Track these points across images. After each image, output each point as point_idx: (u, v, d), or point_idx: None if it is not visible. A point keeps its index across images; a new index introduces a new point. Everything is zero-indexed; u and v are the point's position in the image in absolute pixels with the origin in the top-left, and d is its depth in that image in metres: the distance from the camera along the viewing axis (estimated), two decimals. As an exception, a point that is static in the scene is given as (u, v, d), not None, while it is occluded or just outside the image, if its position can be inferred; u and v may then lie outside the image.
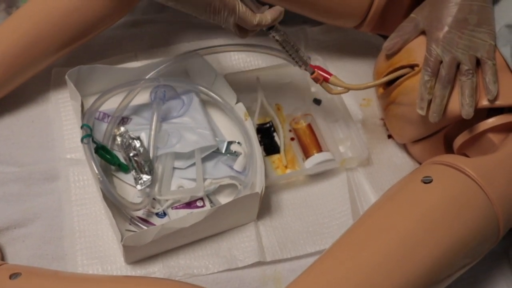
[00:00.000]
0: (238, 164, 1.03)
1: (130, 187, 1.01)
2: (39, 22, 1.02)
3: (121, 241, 0.89)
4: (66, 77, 1.03)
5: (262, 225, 1.02)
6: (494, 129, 0.97)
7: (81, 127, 0.98)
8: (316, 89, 1.18)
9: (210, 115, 1.11)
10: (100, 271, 0.95)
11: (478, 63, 0.95)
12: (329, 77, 1.00)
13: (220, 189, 1.03)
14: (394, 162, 1.13)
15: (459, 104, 0.95)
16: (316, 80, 1.01)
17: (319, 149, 1.09)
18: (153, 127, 1.04)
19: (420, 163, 1.12)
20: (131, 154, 1.01)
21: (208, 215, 0.92)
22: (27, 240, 0.97)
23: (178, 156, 1.04)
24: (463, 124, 0.98)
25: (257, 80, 1.14)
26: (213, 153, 1.05)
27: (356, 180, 1.09)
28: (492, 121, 0.97)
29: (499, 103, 0.95)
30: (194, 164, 1.03)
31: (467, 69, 0.94)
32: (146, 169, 0.99)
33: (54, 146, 1.07)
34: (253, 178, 1.01)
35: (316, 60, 1.17)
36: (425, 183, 0.90)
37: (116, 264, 0.96)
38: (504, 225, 0.89)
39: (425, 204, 0.87)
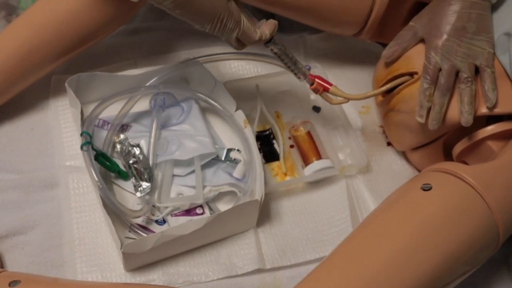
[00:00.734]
0: (237, 172, 1.03)
1: (130, 194, 1.01)
2: (39, 30, 1.02)
3: (121, 248, 0.89)
4: (66, 84, 1.03)
5: (261, 232, 1.02)
6: (493, 137, 0.97)
7: (81, 134, 0.98)
8: (315, 97, 1.18)
9: (210, 122, 1.11)
10: (99, 278, 0.95)
11: (477, 71, 0.96)
12: (329, 87, 1.00)
13: (220, 196, 1.03)
14: (394, 170, 1.13)
15: (458, 111, 0.95)
16: (315, 91, 1.01)
17: (319, 157, 1.09)
18: (153, 134, 1.04)
19: (419, 171, 1.12)
20: (130, 161, 1.01)
21: (207, 222, 0.92)
22: (27, 248, 0.97)
23: (177, 163, 1.04)
24: (462, 131, 0.98)
25: (257, 88, 1.15)
26: (213, 160, 1.05)
27: (356, 187, 1.10)
28: (491, 129, 0.97)
29: (498, 110, 0.95)
30: (193, 171, 1.03)
31: (466, 77, 0.94)
32: (145, 176, 0.99)
33: (53, 153, 1.07)
34: (253, 185, 1.01)
35: (315, 67, 1.17)
36: (424, 190, 0.90)
37: (115, 271, 0.96)
38: (504, 232, 0.89)
39: (424, 212, 0.88)
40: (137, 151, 1.02)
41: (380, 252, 0.84)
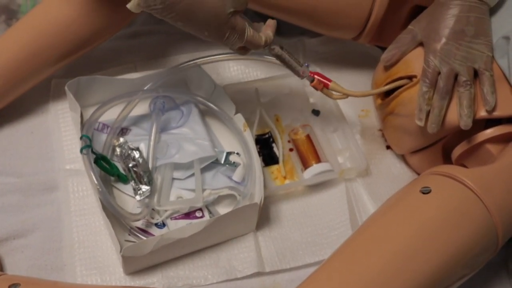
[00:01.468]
0: (237, 175, 1.04)
1: (129, 198, 1.01)
2: (39, 34, 1.03)
3: (120, 251, 0.89)
4: (66, 88, 1.03)
5: (261, 235, 1.02)
6: (492, 140, 0.97)
7: (81, 138, 0.98)
8: (314, 100, 1.18)
9: (209, 125, 1.11)
10: (99, 281, 0.95)
11: (476, 74, 0.96)
12: (328, 83, 1.00)
13: (219, 199, 1.03)
14: (393, 173, 1.13)
15: (457, 115, 0.95)
16: (316, 87, 1.01)
17: (318, 160, 1.09)
18: (152, 137, 1.04)
19: (418, 174, 1.12)
20: (130, 165, 1.01)
21: (207, 225, 0.92)
22: (26, 251, 0.97)
23: (177, 166, 1.04)
24: (461, 134, 0.98)
25: (256, 91, 1.15)
26: (212, 164, 1.05)
27: (355, 190, 1.10)
28: (490, 132, 0.97)
29: (497, 114, 0.95)
30: (193, 174, 1.03)
31: (465, 80, 0.94)
32: (145, 180, 0.99)
33: (53, 156, 1.07)
34: (252, 188, 1.01)
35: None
36: (423, 193, 0.90)
37: (115, 274, 0.96)
38: (503, 235, 0.89)
39: (423, 215, 0.88)
40: (136, 154, 1.02)
41: (380, 255, 0.84)
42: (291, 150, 1.13)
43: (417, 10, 1.06)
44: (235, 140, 1.08)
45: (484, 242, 0.88)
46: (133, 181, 1.00)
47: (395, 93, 1.04)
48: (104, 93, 1.07)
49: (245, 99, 1.14)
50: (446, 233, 0.86)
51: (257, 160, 1.02)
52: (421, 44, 1.01)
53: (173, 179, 1.03)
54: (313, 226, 1.05)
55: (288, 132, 1.14)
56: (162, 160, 1.03)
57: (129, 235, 0.97)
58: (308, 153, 1.10)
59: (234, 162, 1.05)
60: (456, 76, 0.95)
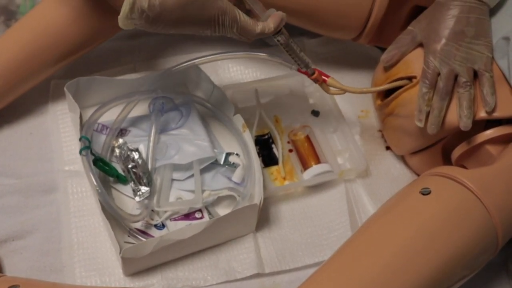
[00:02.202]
0: (236, 176, 1.03)
1: (129, 199, 1.01)
2: (38, 34, 1.03)
3: (120, 253, 0.89)
4: (65, 89, 1.03)
5: (260, 236, 1.02)
6: (492, 141, 0.97)
7: (80, 139, 0.98)
8: (314, 101, 1.18)
9: (209, 126, 1.11)
10: (98, 283, 0.95)
11: (475, 75, 0.96)
12: (326, 79, 1.00)
13: (219, 200, 1.03)
14: (392, 174, 1.13)
15: (457, 115, 0.95)
16: (316, 80, 1.00)
17: (317, 161, 1.09)
18: (152, 138, 1.04)
19: (418, 175, 1.12)
20: (129, 166, 1.01)
21: (206, 226, 0.92)
22: (25, 252, 0.97)
23: (176, 167, 1.04)
24: (461, 135, 0.98)
25: (256, 92, 1.15)
26: (212, 165, 1.05)
27: (355, 191, 1.10)
28: (490, 133, 0.97)
29: (496, 115, 0.95)
30: (192, 175, 1.03)
31: (464, 81, 0.94)
32: (144, 181, 0.99)
33: (52, 158, 1.07)
34: (252, 189, 1.01)
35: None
36: (423, 194, 0.90)
37: (114, 276, 0.96)
38: (503, 236, 0.89)
39: (423, 216, 0.88)
40: (136, 155, 1.02)
41: (379, 256, 0.84)
42: (290, 151, 1.13)
43: (417, 11, 1.06)
44: (234, 141, 1.08)
45: (484, 243, 0.88)
46: (132, 182, 1.00)
47: (395, 93, 1.04)
48: (103, 94, 1.07)
49: (244, 100, 1.14)
50: (446, 234, 0.85)
51: (256, 161, 1.02)
52: (421, 44, 1.01)
53: (173, 180, 1.03)
54: (313, 227, 1.05)
55: (287, 133, 1.14)
56: (161, 161, 1.03)
57: (129, 236, 0.97)
58: (308, 154, 1.10)
59: (233, 163, 1.05)
60: (456, 77, 0.95)
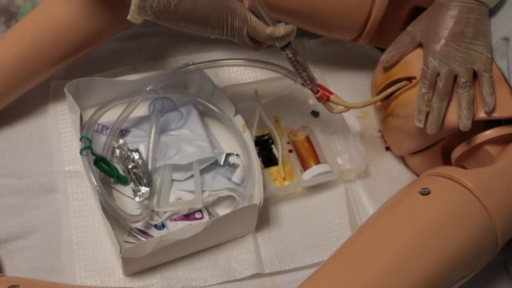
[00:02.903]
0: (236, 176, 1.04)
1: (129, 199, 1.01)
2: (38, 35, 1.03)
3: (120, 253, 0.89)
4: (65, 89, 1.03)
5: (260, 237, 1.02)
6: (492, 141, 0.97)
7: (80, 139, 0.98)
8: (314, 102, 1.18)
9: (209, 127, 1.11)
10: (98, 283, 0.95)
11: (475, 75, 0.96)
12: (330, 96, 1.02)
13: (219, 201, 1.03)
14: (392, 174, 1.13)
15: (457, 116, 0.95)
16: (320, 99, 1.03)
17: (317, 161, 1.09)
18: (152, 139, 1.04)
19: (418, 175, 1.12)
20: (129, 166, 1.01)
21: (206, 227, 0.92)
22: (26, 252, 0.97)
23: (176, 168, 1.04)
24: (460, 136, 0.98)
25: (255, 93, 1.15)
26: (212, 165, 1.05)
27: (354, 192, 1.10)
28: (489, 133, 0.97)
29: (496, 115, 0.95)
30: (192, 176, 1.03)
31: (464, 81, 0.94)
32: (144, 181, 0.99)
33: (52, 158, 1.07)
34: (252, 190, 1.01)
35: (314, 72, 1.17)
36: (423, 194, 0.90)
37: (114, 276, 0.96)
38: (502, 236, 0.89)
39: (423, 216, 0.88)
40: (136, 156, 1.02)
41: (379, 257, 0.84)
42: (290, 151, 1.13)
43: (417, 11, 1.07)
44: (234, 141, 1.08)
45: (483, 243, 0.88)
46: (132, 182, 1.00)
47: (395, 94, 1.04)
48: (103, 94, 1.07)
49: (244, 101, 1.15)
50: (446, 234, 0.85)
51: (256, 162, 1.02)
52: (420, 45, 1.01)
53: (173, 180, 1.03)
54: (313, 228, 1.05)
55: (287, 133, 1.14)
56: (161, 162, 1.03)
57: (128, 236, 0.97)
58: (308, 155, 1.10)
59: (233, 164, 1.05)
60: (455, 78, 0.95)
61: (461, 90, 0.95)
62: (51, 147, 1.08)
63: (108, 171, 1.01)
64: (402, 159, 1.15)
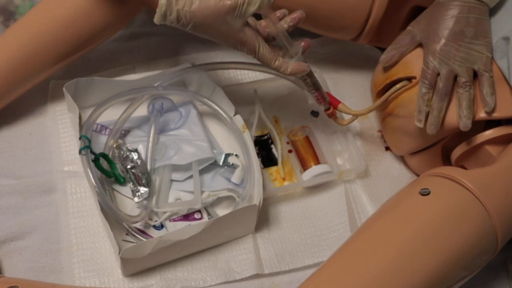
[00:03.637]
0: (235, 177, 1.03)
1: (128, 200, 1.01)
2: (37, 35, 1.02)
3: (119, 253, 0.88)
4: (64, 89, 1.03)
5: (260, 237, 1.02)
6: (492, 141, 0.97)
7: (80, 138, 0.98)
8: (313, 101, 1.18)
9: (208, 127, 1.11)
10: (97, 283, 0.95)
11: (475, 75, 0.96)
12: (337, 104, 1.05)
13: (218, 201, 1.03)
14: (392, 174, 1.13)
15: (457, 116, 0.95)
16: (330, 115, 1.05)
17: (317, 161, 1.09)
18: (151, 139, 1.04)
19: (417, 175, 1.12)
20: (128, 166, 1.01)
21: (205, 227, 0.92)
22: (24, 253, 0.97)
23: (175, 168, 1.04)
24: (460, 136, 0.98)
25: (255, 93, 1.15)
26: (211, 165, 1.05)
27: (354, 192, 1.10)
28: (489, 133, 0.97)
29: (496, 115, 0.95)
30: (191, 176, 1.03)
31: (464, 81, 0.94)
32: (143, 181, 0.99)
33: (51, 158, 1.07)
34: (251, 190, 1.00)
35: (315, 72, 1.17)
36: (423, 195, 0.90)
37: (113, 276, 0.96)
38: (502, 237, 0.89)
39: (422, 216, 0.88)
40: (135, 156, 1.01)
41: (379, 257, 0.84)
42: (290, 151, 1.13)
43: (416, 11, 1.06)
44: (234, 141, 1.08)
45: (483, 243, 0.88)
46: (131, 182, 1.00)
47: (394, 94, 1.04)
48: (102, 94, 1.07)
49: (244, 101, 1.14)
50: (445, 234, 0.85)
51: (256, 162, 1.01)
52: (420, 45, 1.01)
53: (172, 180, 1.03)
54: (312, 228, 1.04)
55: (287, 133, 1.14)
56: (160, 162, 1.03)
57: (127, 235, 0.97)
58: (307, 155, 1.10)
59: (232, 164, 1.05)
60: (455, 77, 0.95)
61: (461, 90, 0.95)
62: (50, 147, 1.08)
63: (106, 171, 1.00)
64: (402, 159, 1.15)
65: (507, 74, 0.95)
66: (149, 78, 1.08)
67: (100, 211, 0.92)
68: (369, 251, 0.85)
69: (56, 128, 1.10)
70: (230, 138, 1.09)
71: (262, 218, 1.03)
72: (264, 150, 1.12)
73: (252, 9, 0.85)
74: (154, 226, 0.99)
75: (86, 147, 0.96)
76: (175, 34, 1.27)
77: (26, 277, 0.95)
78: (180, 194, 1.02)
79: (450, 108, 0.96)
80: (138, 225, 0.98)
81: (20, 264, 0.96)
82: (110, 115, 1.05)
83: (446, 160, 1.06)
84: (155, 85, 1.07)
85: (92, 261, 0.97)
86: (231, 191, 1.01)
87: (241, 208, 0.95)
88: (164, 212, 1.00)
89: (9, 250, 0.97)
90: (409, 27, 1.03)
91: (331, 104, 1.04)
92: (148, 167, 1.01)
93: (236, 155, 1.06)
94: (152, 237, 0.97)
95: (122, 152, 1.02)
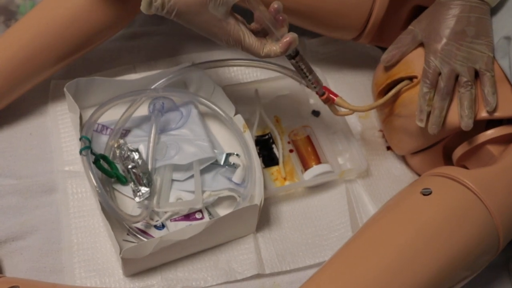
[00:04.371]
0: (236, 176, 1.03)
1: (129, 199, 1.01)
2: (38, 35, 1.02)
3: (120, 253, 0.88)
4: (65, 89, 1.03)
5: (261, 237, 1.02)
6: (493, 141, 0.97)
7: (80, 139, 0.97)
8: (314, 101, 1.18)
9: (209, 127, 1.11)
10: (98, 283, 0.95)
11: (476, 75, 0.96)
12: (335, 98, 1.01)
13: (219, 201, 1.03)
14: (393, 174, 1.13)
15: (458, 115, 0.95)
16: (325, 101, 1.01)
17: (318, 161, 1.09)
18: (152, 139, 1.04)
19: (419, 175, 1.12)
20: (129, 166, 1.00)
21: (207, 227, 0.91)
22: (25, 253, 0.97)
23: (176, 168, 1.03)
24: (462, 135, 0.98)
25: (256, 92, 1.15)
26: (212, 165, 1.05)
27: (355, 192, 1.09)
28: (491, 133, 0.97)
29: (498, 114, 0.95)
30: (192, 176, 1.03)
31: (465, 80, 0.94)
32: (144, 181, 0.99)
33: (52, 158, 1.07)
34: (252, 190, 1.00)
35: (316, 71, 1.17)
36: (424, 195, 0.89)
37: (114, 276, 0.95)
38: (504, 237, 0.89)
39: (424, 216, 0.87)
40: (136, 155, 1.01)
41: (380, 257, 0.84)
42: (291, 151, 1.12)
43: (418, 11, 1.06)
44: (234, 141, 1.08)
45: (485, 243, 0.88)
46: (132, 182, 1.00)
47: (396, 93, 1.03)
48: (103, 94, 1.07)
49: (244, 100, 1.14)
50: (447, 234, 0.85)
51: (257, 161, 1.01)
52: (421, 44, 1.00)
53: (173, 180, 1.03)
54: (313, 228, 1.04)
55: (288, 133, 1.14)
56: (161, 162, 1.03)
57: (128, 234, 0.97)
58: (308, 154, 1.10)
59: (233, 164, 1.05)
60: (457, 77, 0.95)
61: (462, 90, 0.94)
62: (51, 147, 1.08)
63: (107, 171, 1.00)
64: (403, 159, 1.15)
65: (508, 73, 0.95)
66: (149, 78, 1.08)
67: (101, 211, 0.92)
68: (370, 251, 0.85)
69: (57, 128, 1.10)
70: (231, 138, 1.09)
71: (263, 218, 1.03)
72: (265, 149, 1.12)
73: None
74: (155, 226, 0.99)
75: (87, 147, 0.96)
76: (175, 34, 1.27)
77: (27, 277, 0.95)
78: (181, 194, 1.02)
79: (451, 107, 0.96)
80: (139, 225, 0.98)
81: (21, 264, 0.96)
82: (111, 115, 1.05)
83: (447, 160, 1.06)
84: (156, 85, 1.07)
85: (93, 261, 0.97)
86: (232, 191, 1.01)
87: (242, 208, 0.95)
88: (165, 212, 0.99)
89: (10, 250, 0.97)
90: (410, 27, 1.03)
91: (329, 99, 1.02)
92: (149, 167, 1.01)
93: (237, 155, 1.06)
94: (153, 237, 0.97)
95: (123, 152, 1.02)
